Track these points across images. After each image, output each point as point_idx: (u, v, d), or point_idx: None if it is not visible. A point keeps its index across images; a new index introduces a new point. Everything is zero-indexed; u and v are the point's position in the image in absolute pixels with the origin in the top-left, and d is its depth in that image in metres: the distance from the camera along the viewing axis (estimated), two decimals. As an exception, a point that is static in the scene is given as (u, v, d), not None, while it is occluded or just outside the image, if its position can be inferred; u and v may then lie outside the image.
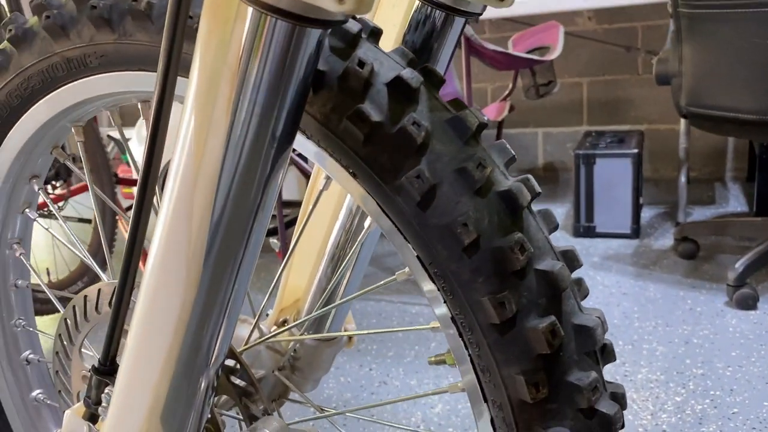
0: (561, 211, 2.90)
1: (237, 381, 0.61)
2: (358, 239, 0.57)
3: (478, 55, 2.17)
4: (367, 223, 0.56)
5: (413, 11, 0.61)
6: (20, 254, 0.81)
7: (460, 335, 0.51)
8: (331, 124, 0.50)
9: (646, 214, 2.79)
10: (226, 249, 0.49)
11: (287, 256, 0.62)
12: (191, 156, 0.46)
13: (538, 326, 0.48)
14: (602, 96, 3.30)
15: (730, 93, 1.83)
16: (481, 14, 0.60)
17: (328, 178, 0.56)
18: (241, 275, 0.51)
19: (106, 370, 0.59)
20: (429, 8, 0.60)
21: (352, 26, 0.51)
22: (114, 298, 0.55)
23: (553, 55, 2.29)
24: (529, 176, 0.51)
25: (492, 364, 0.50)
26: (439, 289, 0.51)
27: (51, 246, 2.47)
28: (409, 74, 0.49)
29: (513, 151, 0.53)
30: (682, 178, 2.53)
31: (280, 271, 0.65)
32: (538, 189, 0.51)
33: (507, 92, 2.55)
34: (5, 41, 0.65)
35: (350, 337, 0.81)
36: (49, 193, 2.10)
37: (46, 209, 1.91)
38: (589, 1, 2.47)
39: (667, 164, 3.28)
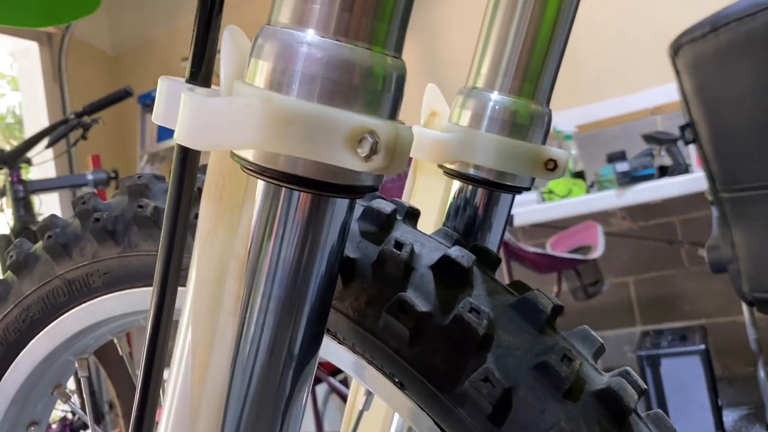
0: (631, 421, 2.62)
1: None
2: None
3: (519, 259, 2.10)
4: (423, 449, 0.44)
5: (452, 195, 0.53)
6: None
7: None
8: (368, 321, 0.40)
9: (728, 417, 2.51)
10: None
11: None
12: (190, 381, 0.36)
13: None
14: (651, 293, 3.16)
15: (796, 274, 1.70)
16: (530, 188, 0.52)
17: (369, 395, 0.45)
18: None
19: None
20: (470, 188, 0.52)
21: (385, 206, 0.44)
22: None
23: (596, 254, 2.22)
24: (629, 369, 0.39)
25: None
26: None
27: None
28: (458, 252, 0.40)
29: (600, 339, 0.42)
30: (761, 373, 2.29)
31: None
32: (643, 385, 0.39)
33: (554, 295, 2.45)
34: (7, 270, 0.59)
35: None
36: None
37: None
38: (621, 199, 2.46)
39: (737, 359, 3.03)
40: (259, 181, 0.32)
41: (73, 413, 2.04)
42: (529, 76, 0.49)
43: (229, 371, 0.35)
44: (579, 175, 2.68)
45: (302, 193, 0.32)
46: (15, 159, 2.11)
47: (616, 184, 2.38)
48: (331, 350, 0.44)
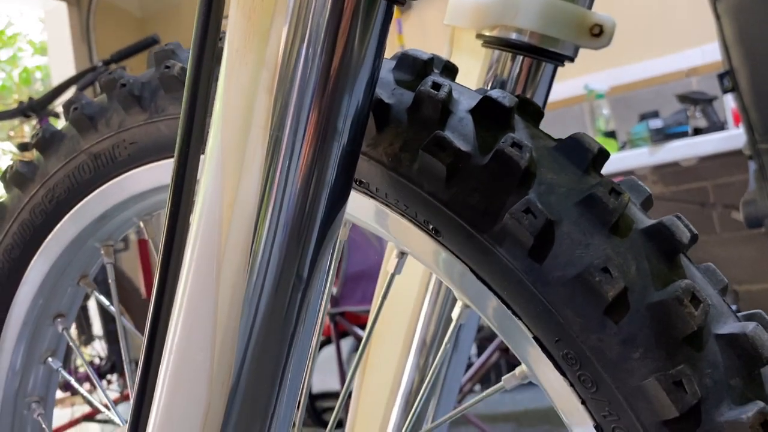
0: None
1: None
2: (447, 337, 0.42)
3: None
4: (457, 309, 0.42)
5: (491, 67, 0.51)
6: (38, 415, 0.68)
7: (613, 453, 0.34)
8: (402, 166, 0.38)
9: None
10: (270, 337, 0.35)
11: (348, 379, 0.47)
12: (219, 205, 0.34)
13: (740, 418, 0.31)
14: (681, 259, 3.10)
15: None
16: (573, 58, 0.49)
17: (401, 255, 0.43)
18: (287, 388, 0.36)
19: None
20: (510, 57, 0.50)
21: (421, 54, 0.41)
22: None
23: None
24: (680, 215, 0.37)
25: (672, 491, 0.32)
26: (572, 383, 0.35)
27: None
28: (499, 93, 0.38)
29: (648, 189, 0.39)
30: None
31: (339, 402, 0.49)
32: (694, 230, 0.37)
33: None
34: (33, 149, 0.58)
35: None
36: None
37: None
38: (654, 157, 2.40)
39: (768, 327, 2.97)
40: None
41: (101, 358, 2.08)
42: (575, -67, 0.46)
43: (259, 191, 0.33)
44: (611, 134, 2.62)
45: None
46: (44, 107, 2.12)
47: (650, 141, 2.32)
48: (360, 205, 0.42)
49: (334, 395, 2.53)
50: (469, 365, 2.27)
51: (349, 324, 2.05)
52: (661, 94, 3.00)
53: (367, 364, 0.54)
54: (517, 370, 0.40)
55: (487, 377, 2.68)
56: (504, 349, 2.43)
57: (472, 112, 0.38)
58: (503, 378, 0.41)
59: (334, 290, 2.07)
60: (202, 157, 0.37)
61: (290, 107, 0.32)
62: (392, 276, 0.44)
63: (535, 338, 0.36)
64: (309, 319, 0.36)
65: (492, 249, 0.36)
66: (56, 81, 3.84)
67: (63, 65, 3.80)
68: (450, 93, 0.38)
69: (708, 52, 2.91)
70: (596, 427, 0.35)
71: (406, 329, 0.51)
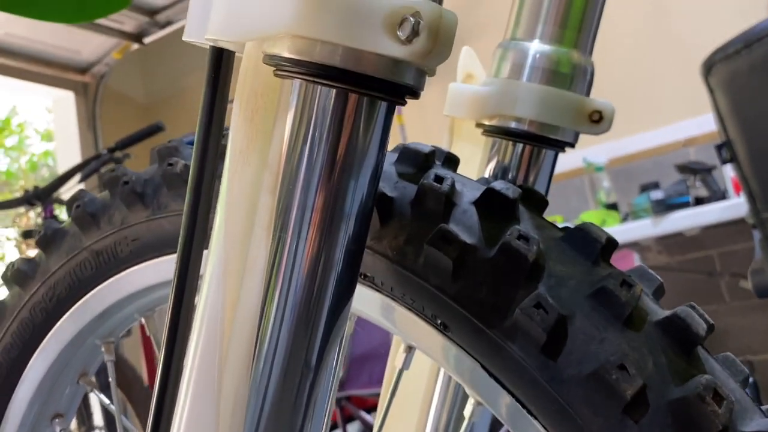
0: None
1: None
2: (459, 435, 0.40)
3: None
4: (469, 406, 0.40)
5: (491, 152, 0.51)
6: None
7: None
8: (408, 259, 0.38)
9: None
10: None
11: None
12: (221, 307, 0.34)
13: None
14: (692, 330, 3.05)
15: None
16: (574, 144, 0.50)
17: (409, 350, 0.42)
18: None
19: None
20: (511, 145, 0.50)
21: (423, 147, 0.42)
22: None
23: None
24: (694, 305, 0.36)
25: None
26: (593, 487, 0.33)
27: None
28: (503, 185, 0.38)
29: (660, 278, 0.39)
30: (814, 408, 2.17)
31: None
32: (710, 320, 0.36)
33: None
34: (36, 246, 0.58)
35: None
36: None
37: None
38: (657, 228, 2.40)
39: (786, 398, 2.89)
40: (293, 82, 0.31)
41: None
42: (570, 24, 0.47)
43: (263, 290, 0.32)
44: (613, 206, 2.63)
45: (338, 91, 0.30)
46: (48, 195, 2.14)
47: (651, 212, 2.33)
48: (366, 299, 0.41)
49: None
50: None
51: (355, 408, 2.00)
52: (660, 164, 3.03)
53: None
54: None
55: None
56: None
57: (476, 204, 0.38)
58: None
59: (340, 373, 2.03)
60: (205, 252, 0.37)
61: (293, 208, 0.32)
62: (400, 371, 0.43)
63: (553, 438, 0.34)
64: (318, 412, 0.35)
65: (503, 345, 0.35)
66: (62, 167, 3.90)
67: (69, 152, 3.87)
68: (453, 185, 0.38)
69: (704, 123, 2.95)
70: None
71: (416, 428, 0.49)
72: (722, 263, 3.01)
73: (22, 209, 2.41)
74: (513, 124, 0.48)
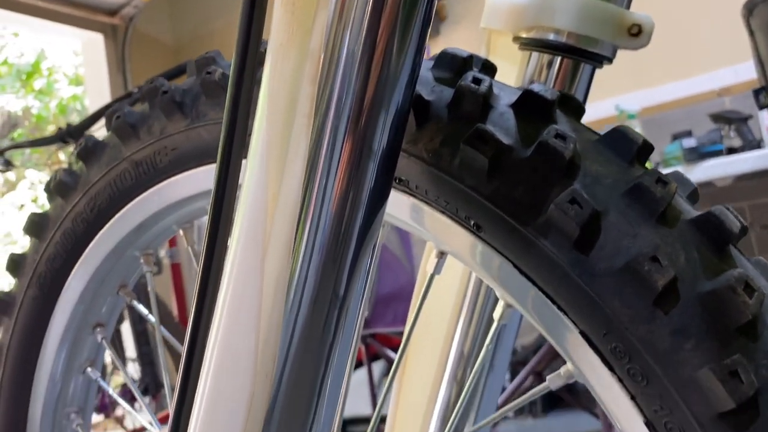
0: None
1: None
2: (488, 338, 0.41)
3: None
4: (498, 309, 0.41)
5: (528, 70, 0.51)
6: (78, 425, 0.68)
7: (665, 450, 0.33)
8: (443, 161, 0.38)
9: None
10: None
11: (391, 377, 0.47)
12: (263, 201, 0.35)
13: (801, 410, 0.29)
14: (718, 282, 3.04)
15: None
16: (612, 59, 0.49)
17: (441, 255, 0.43)
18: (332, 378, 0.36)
19: None
20: (548, 58, 0.50)
21: (460, 52, 0.42)
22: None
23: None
24: (728, 206, 0.36)
25: (730, 488, 0.31)
26: (621, 378, 0.34)
27: None
28: (541, 87, 0.38)
29: (694, 183, 0.39)
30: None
31: (378, 406, 0.48)
32: (745, 222, 0.36)
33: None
34: (76, 158, 0.59)
35: None
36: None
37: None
38: (688, 176, 2.35)
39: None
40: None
41: (134, 380, 2.09)
42: (612, -68, 0.46)
43: (303, 185, 0.33)
44: (642, 154, 2.59)
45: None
46: (81, 132, 2.17)
47: (683, 160, 2.29)
48: (399, 204, 0.42)
49: (366, 420, 2.50)
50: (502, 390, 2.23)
51: (380, 346, 2.03)
52: (694, 113, 2.97)
53: (406, 367, 0.53)
54: (563, 369, 0.39)
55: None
56: (537, 373, 2.39)
57: (514, 106, 0.38)
58: (548, 378, 0.40)
59: (365, 312, 2.06)
60: (243, 161, 0.38)
61: (333, 97, 0.32)
62: (431, 276, 0.44)
63: (582, 333, 0.35)
64: (351, 312, 0.36)
65: (536, 242, 0.35)
66: (92, 109, 3.94)
67: (99, 94, 3.90)
68: (491, 87, 0.38)
69: (741, 72, 2.87)
70: (647, 423, 0.34)
71: (446, 333, 0.50)
72: (753, 215, 2.97)
73: (53, 149, 2.45)
74: (551, 36, 0.48)
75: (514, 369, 2.44)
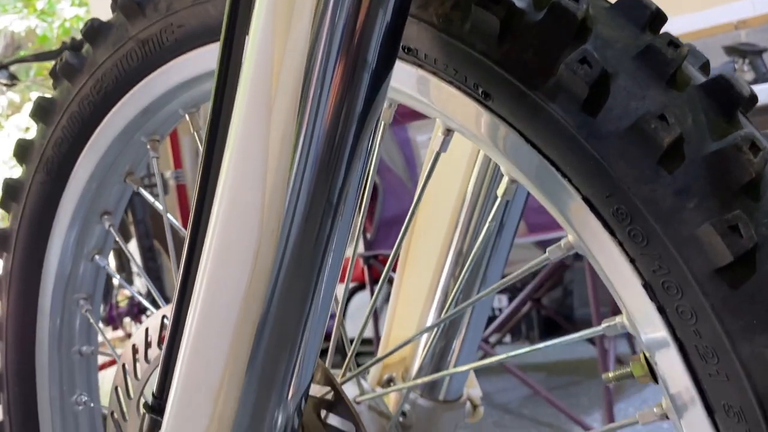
0: None
1: (333, 419, 0.44)
2: (492, 213, 0.41)
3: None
4: (503, 185, 0.41)
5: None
6: (87, 311, 0.70)
7: (661, 310, 0.34)
8: (454, 25, 0.38)
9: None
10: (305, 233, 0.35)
11: (390, 261, 0.47)
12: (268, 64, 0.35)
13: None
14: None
15: None
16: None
17: (447, 133, 0.42)
18: (327, 272, 0.37)
19: (162, 407, 0.44)
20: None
21: None
22: (171, 320, 0.42)
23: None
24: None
25: (722, 341, 0.32)
26: (621, 242, 0.34)
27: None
28: (555, -48, 0.37)
29: (707, 57, 0.38)
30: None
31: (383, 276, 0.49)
32: (754, 92, 0.36)
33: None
34: (83, 40, 0.59)
35: (475, 406, 0.62)
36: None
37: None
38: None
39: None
40: None
41: (140, 294, 2.13)
42: None
43: (308, 48, 0.33)
44: (653, 86, 2.55)
45: None
46: (86, 47, 2.14)
47: (694, 92, 2.26)
48: (406, 77, 0.41)
49: (369, 342, 2.55)
50: (495, 318, 2.27)
51: (383, 268, 2.06)
52: (708, 46, 2.90)
53: (410, 247, 0.54)
54: (563, 242, 0.40)
55: (517, 328, 2.69)
56: (535, 300, 2.42)
57: (525, -30, 0.37)
58: (548, 250, 0.41)
59: (369, 234, 2.08)
60: (246, 38, 0.37)
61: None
62: (437, 154, 0.44)
63: (584, 198, 0.35)
64: (351, 185, 0.36)
65: (544, 106, 0.35)
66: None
67: (103, 13, 3.83)
68: (503, -49, 0.37)
69: (759, 3, 2.80)
70: (645, 285, 0.34)
71: (452, 211, 0.51)
72: (761, 151, 2.94)
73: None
74: None
75: (512, 294, 2.47)
